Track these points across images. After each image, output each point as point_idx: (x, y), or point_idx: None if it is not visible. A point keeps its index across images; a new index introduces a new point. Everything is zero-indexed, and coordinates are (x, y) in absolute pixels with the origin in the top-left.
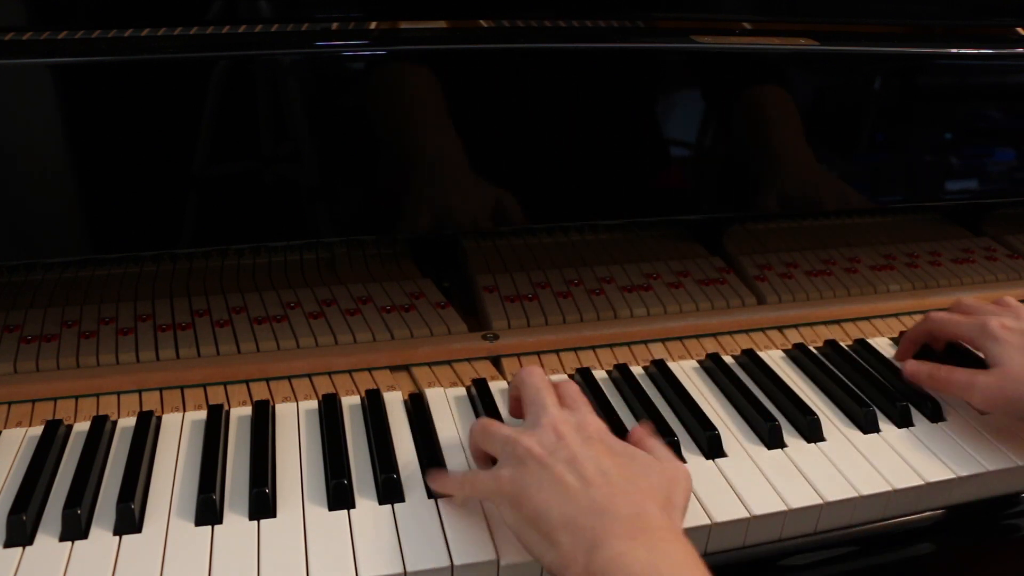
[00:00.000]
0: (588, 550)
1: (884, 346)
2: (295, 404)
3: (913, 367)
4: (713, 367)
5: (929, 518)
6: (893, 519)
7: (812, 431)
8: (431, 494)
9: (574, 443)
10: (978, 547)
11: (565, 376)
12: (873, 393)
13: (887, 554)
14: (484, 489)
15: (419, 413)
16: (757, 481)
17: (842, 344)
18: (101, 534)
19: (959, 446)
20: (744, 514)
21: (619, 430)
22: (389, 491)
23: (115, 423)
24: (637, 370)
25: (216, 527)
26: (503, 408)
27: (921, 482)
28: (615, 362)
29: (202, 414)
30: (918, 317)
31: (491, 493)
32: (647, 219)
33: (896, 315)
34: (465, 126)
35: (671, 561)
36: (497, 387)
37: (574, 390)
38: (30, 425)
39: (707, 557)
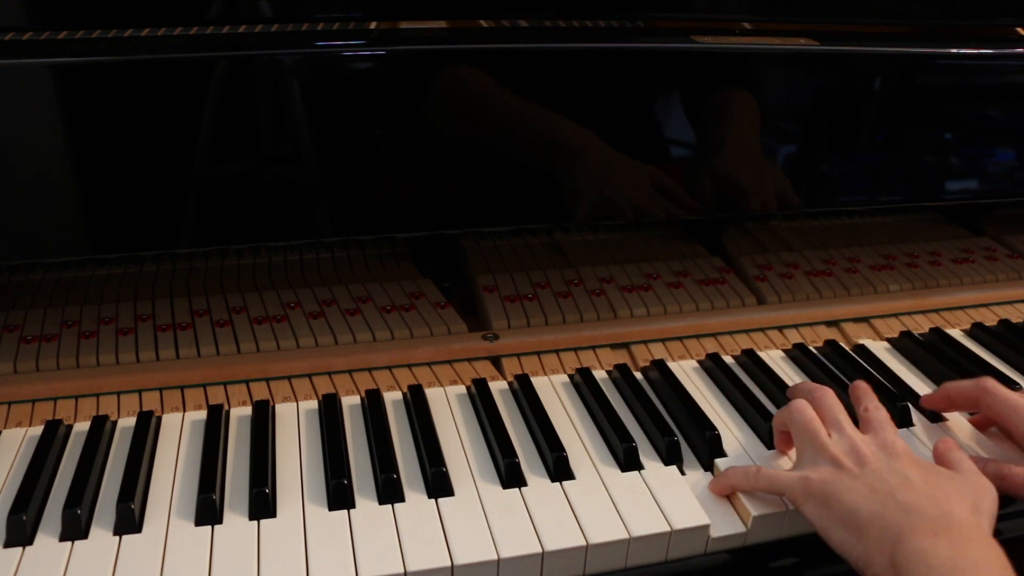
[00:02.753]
0: (893, 543)
1: (882, 351)
2: (295, 404)
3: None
4: (713, 367)
5: None
6: None
7: None
8: (431, 494)
9: (879, 460)
10: None
11: (566, 377)
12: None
13: None
14: (786, 487)
15: (420, 412)
16: None
17: (842, 344)
18: (101, 534)
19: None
20: (744, 514)
21: (621, 430)
22: (389, 491)
23: (115, 423)
24: (637, 371)
25: (216, 527)
26: (503, 408)
27: None
28: (615, 362)
29: (202, 414)
30: (918, 317)
31: (794, 491)
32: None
33: (896, 315)
34: (466, 126)
35: (972, 558)
36: (497, 387)
37: (882, 417)
38: (30, 425)
39: (707, 558)
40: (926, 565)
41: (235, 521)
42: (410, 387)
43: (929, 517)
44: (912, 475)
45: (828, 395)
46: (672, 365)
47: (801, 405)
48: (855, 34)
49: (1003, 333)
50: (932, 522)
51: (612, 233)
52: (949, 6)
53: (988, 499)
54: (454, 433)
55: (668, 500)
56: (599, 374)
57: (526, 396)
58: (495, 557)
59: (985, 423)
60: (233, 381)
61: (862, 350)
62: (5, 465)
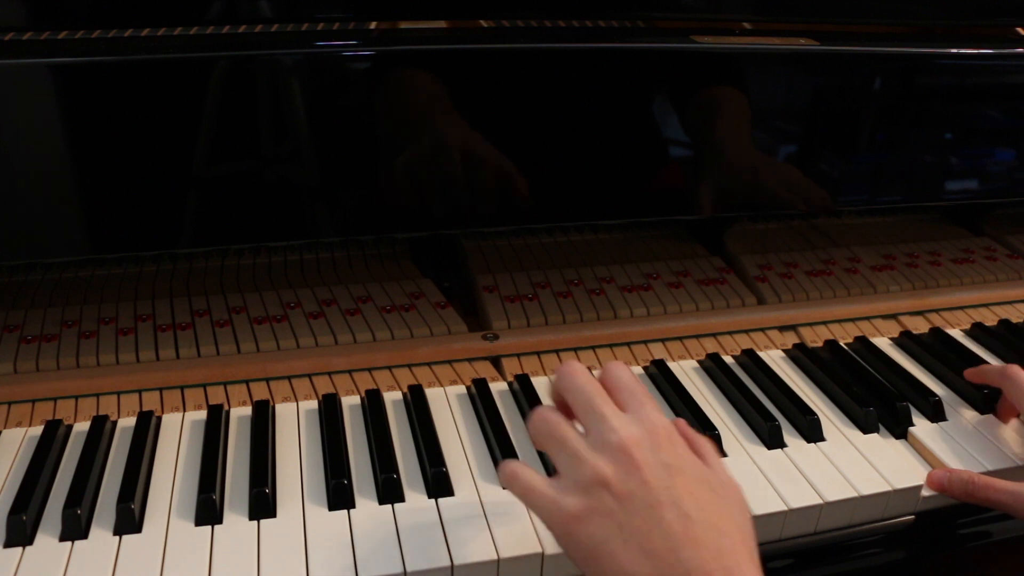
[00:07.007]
0: None
1: (885, 346)
2: (295, 404)
3: (939, 479)
4: (713, 367)
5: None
6: (893, 519)
7: (812, 431)
8: (431, 494)
9: (651, 474)
10: (979, 547)
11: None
12: (873, 393)
13: (885, 554)
14: (551, 519)
15: (420, 412)
16: (757, 481)
17: (842, 344)
18: (101, 534)
19: (959, 446)
20: None
21: None
22: (389, 491)
23: (115, 423)
24: (637, 370)
25: (216, 527)
26: (503, 408)
27: (921, 482)
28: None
29: (202, 414)
30: (918, 317)
31: (559, 527)
32: (647, 219)
33: (896, 315)
34: (466, 126)
35: None
36: (497, 388)
37: (625, 377)
38: (30, 425)
39: None
40: None
41: (235, 521)
42: (410, 387)
43: None
44: (688, 505)
45: (575, 376)
46: (672, 365)
47: (541, 410)
48: (855, 34)
49: (1003, 333)
50: None
51: (612, 233)
52: (949, 6)
53: (748, 514)
54: (454, 433)
55: None
56: (599, 374)
57: (526, 396)
58: (495, 557)
59: (1007, 408)
60: (233, 381)
61: (863, 344)
62: (5, 465)
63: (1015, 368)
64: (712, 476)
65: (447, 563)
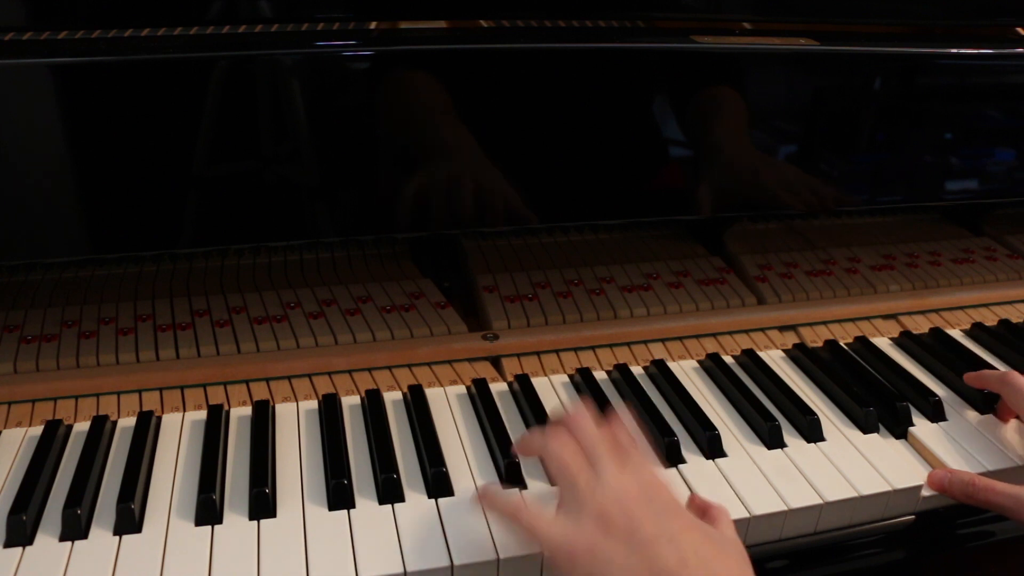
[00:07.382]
0: None
1: (885, 346)
2: (295, 404)
3: (940, 479)
4: (713, 367)
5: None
6: (893, 519)
7: (812, 431)
8: (431, 494)
9: (649, 518)
10: (979, 547)
11: (566, 377)
12: (873, 393)
13: (885, 554)
14: (556, 552)
15: (420, 412)
16: (757, 481)
17: (842, 344)
18: (101, 534)
19: (960, 446)
20: (744, 514)
21: None
22: (389, 491)
23: (115, 423)
24: (637, 370)
25: (216, 527)
26: (503, 408)
27: (921, 482)
28: (615, 362)
29: (202, 414)
30: (918, 317)
31: (564, 561)
32: (647, 219)
33: (896, 315)
34: (465, 126)
35: None
36: (497, 388)
37: (622, 437)
38: (30, 425)
39: None
40: None
41: (235, 521)
42: (410, 387)
43: None
44: (686, 548)
45: (586, 420)
46: (672, 365)
47: (562, 438)
48: (855, 34)
49: (1003, 333)
50: None
51: (612, 233)
52: (949, 6)
53: (748, 565)
54: (454, 433)
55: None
56: (599, 374)
57: (526, 396)
58: (495, 557)
59: (1007, 412)
60: (233, 381)
61: (863, 344)
62: (5, 465)
63: (1014, 374)
64: (708, 528)
65: (447, 563)
